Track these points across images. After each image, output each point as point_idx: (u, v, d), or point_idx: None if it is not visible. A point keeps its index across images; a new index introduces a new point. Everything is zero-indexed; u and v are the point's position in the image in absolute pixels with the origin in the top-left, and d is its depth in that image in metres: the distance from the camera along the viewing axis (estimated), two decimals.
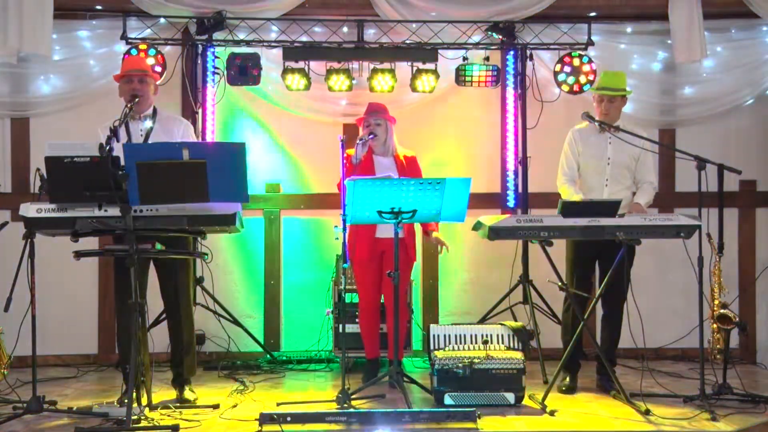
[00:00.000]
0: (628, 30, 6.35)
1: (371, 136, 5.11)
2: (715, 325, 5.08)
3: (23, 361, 5.15)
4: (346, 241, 4.66)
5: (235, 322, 6.07)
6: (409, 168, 5.22)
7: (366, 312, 5.27)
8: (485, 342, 4.87)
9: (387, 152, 5.25)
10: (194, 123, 5.89)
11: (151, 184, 3.98)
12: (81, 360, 6.07)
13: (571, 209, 4.58)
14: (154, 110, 4.80)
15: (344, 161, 4.85)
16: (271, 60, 6.12)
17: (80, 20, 6.04)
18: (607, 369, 4.82)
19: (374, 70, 5.98)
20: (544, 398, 4.63)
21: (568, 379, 5.08)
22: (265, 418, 4.11)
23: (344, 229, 4.62)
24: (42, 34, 5.65)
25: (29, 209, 4.19)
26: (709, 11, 6.02)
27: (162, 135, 4.69)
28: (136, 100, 4.55)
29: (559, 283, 4.89)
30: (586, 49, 6.12)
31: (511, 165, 6.23)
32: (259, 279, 6.36)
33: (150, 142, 4.66)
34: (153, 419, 4.23)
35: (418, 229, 5.44)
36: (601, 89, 5.08)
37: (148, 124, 4.75)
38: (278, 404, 4.52)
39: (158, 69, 5.77)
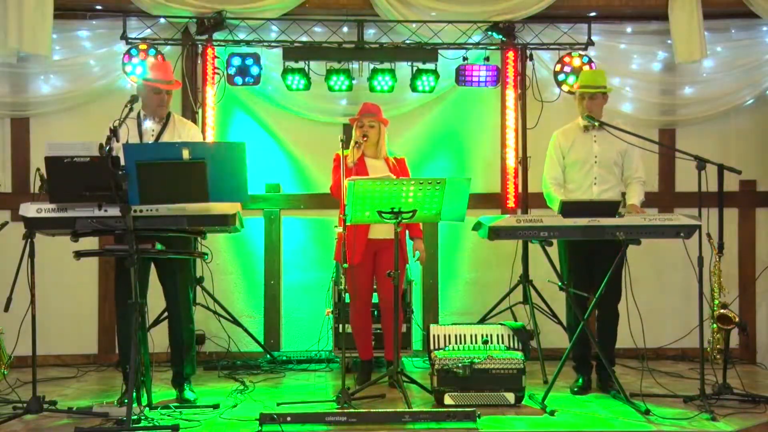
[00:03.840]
0: (628, 30, 6.35)
1: (364, 138, 5.10)
2: (715, 325, 5.07)
3: (23, 361, 5.15)
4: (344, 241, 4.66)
5: (235, 322, 6.07)
6: (399, 171, 5.21)
7: (358, 313, 5.25)
8: (485, 342, 4.87)
9: (378, 155, 5.23)
10: (194, 123, 5.89)
11: (151, 184, 3.98)
12: (81, 360, 6.07)
13: (571, 209, 4.58)
14: (168, 113, 4.87)
15: (340, 164, 4.83)
16: (271, 60, 6.13)
17: (80, 20, 6.05)
18: (608, 370, 4.82)
19: (374, 70, 5.99)
20: (544, 398, 4.62)
21: (581, 380, 5.07)
22: (265, 418, 4.11)
23: (344, 229, 4.63)
24: (42, 34, 5.65)
25: (29, 209, 4.18)
26: (709, 11, 6.02)
27: (171, 139, 4.74)
28: (136, 102, 4.57)
29: (559, 283, 4.89)
30: (586, 49, 6.13)
31: (511, 165, 6.22)
32: (259, 279, 6.36)
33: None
34: (153, 419, 4.23)
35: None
36: (582, 87, 5.10)
37: (149, 124, 4.77)
38: (278, 404, 4.52)
39: None
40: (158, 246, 4.35)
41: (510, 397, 4.63)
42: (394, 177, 4.89)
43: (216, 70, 6.02)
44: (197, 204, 4.18)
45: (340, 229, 4.64)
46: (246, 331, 6.10)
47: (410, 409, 4.32)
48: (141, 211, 4.14)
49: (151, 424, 4.14)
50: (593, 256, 4.97)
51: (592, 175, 5.06)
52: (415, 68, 6.02)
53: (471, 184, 4.58)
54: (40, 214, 4.16)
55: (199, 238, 4.79)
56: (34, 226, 4.21)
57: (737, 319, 4.99)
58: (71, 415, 4.38)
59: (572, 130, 5.17)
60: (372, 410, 4.35)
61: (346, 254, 5.05)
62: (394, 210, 4.55)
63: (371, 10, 6.04)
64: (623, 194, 5.14)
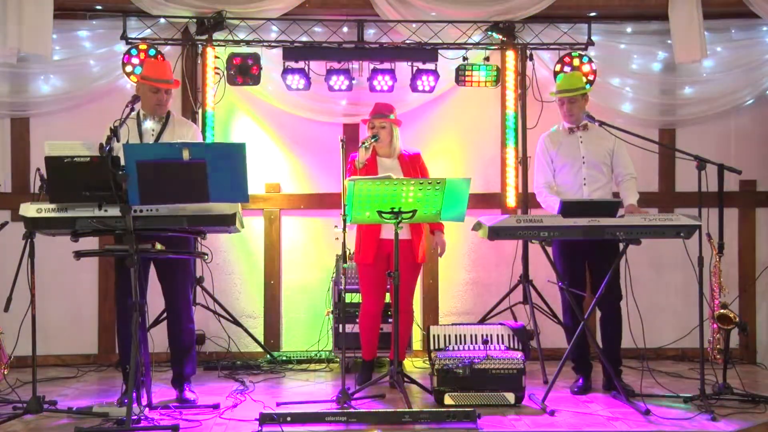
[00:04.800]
0: (628, 30, 6.35)
1: (372, 140, 5.09)
2: (715, 325, 5.07)
3: (23, 361, 5.15)
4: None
5: (235, 322, 6.07)
6: (413, 167, 5.19)
7: (368, 314, 5.23)
8: (485, 342, 4.87)
9: (392, 154, 5.23)
10: (194, 123, 5.89)
11: (151, 184, 3.98)
12: (81, 360, 6.07)
13: (571, 209, 4.58)
14: (168, 113, 4.87)
15: (348, 165, 4.83)
16: (271, 60, 6.12)
17: (80, 20, 6.04)
18: (608, 370, 4.82)
19: (374, 70, 5.98)
20: (544, 398, 4.63)
21: (581, 380, 5.08)
22: (265, 418, 4.11)
23: (344, 228, 4.62)
24: (42, 34, 5.65)
25: (29, 209, 4.19)
26: (709, 11, 6.02)
27: (171, 139, 4.74)
28: (138, 102, 4.57)
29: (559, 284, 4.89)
30: (586, 49, 6.13)
31: (511, 165, 6.22)
32: (259, 279, 6.36)
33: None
34: (153, 419, 4.23)
35: (427, 230, 5.35)
36: (560, 92, 5.10)
37: (149, 123, 4.78)
38: (278, 404, 4.53)
39: None
40: (158, 246, 4.35)
41: (510, 397, 4.63)
42: (394, 177, 4.89)
43: (216, 70, 6.02)
44: (197, 204, 4.18)
45: (339, 230, 4.64)
46: (246, 331, 6.10)
47: (410, 409, 4.32)
48: (141, 211, 4.14)
49: (151, 424, 4.14)
50: (588, 257, 4.98)
51: (581, 176, 5.07)
52: (415, 68, 6.02)
53: (471, 184, 4.58)
54: (40, 214, 4.16)
55: (199, 238, 4.79)
56: (34, 226, 4.21)
57: (737, 319, 4.99)
58: (71, 415, 4.39)
59: (558, 133, 5.19)
60: (372, 410, 4.35)
61: (359, 254, 5.07)
62: (394, 210, 4.55)
63: (371, 10, 6.03)
64: (615, 194, 5.14)
